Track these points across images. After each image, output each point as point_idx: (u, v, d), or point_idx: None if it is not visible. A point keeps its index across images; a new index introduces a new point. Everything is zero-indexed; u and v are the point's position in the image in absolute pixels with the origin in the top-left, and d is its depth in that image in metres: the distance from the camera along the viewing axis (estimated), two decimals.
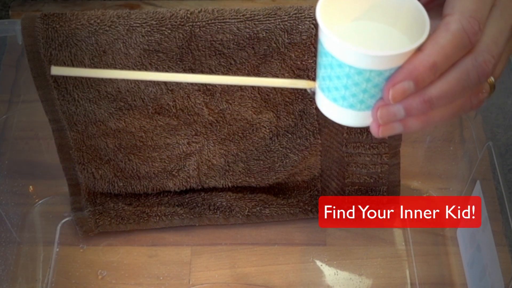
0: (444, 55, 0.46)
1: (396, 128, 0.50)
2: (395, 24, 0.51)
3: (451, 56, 0.46)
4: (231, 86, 0.76)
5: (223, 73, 0.74)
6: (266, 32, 0.71)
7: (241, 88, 0.76)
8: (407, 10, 0.50)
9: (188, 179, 0.83)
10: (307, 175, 0.84)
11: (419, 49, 0.47)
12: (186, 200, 0.85)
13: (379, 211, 0.83)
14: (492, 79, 0.51)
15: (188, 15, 0.70)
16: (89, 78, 0.74)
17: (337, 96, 0.50)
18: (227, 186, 0.84)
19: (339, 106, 0.51)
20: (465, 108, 0.50)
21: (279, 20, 0.70)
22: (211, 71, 0.73)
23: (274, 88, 0.76)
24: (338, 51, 0.47)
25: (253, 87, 0.76)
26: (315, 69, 0.71)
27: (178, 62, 0.72)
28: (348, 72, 0.48)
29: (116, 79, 0.74)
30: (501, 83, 0.73)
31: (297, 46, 0.72)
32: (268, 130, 0.80)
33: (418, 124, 0.50)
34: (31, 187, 0.88)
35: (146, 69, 0.73)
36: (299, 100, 0.78)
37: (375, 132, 0.51)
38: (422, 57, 0.46)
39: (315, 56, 0.69)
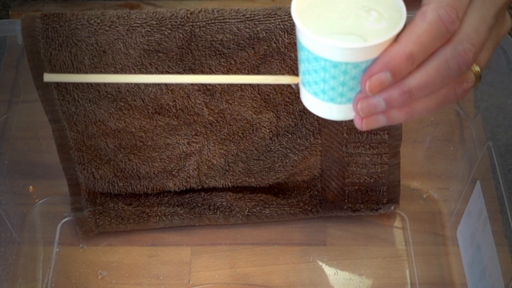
0: (420, 45, 0.46)
1: (379, 121, 0.50)
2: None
3: (428, 45, 0.46)
4: (231, 86, 0.76)
5: (223, 73, 0.74)
6: (266, 32, 0.71)
7: (241, 88, 0.76)
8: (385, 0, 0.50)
9: (188, 179, 0.83)
10: (307, 175, 0.84)
11: (396, 40, 0.46)
12: (186, 200, 0.85)
13: (379, 211, 0.84)
14: (477, 68, 0.50)
15: (188, 15, 0.70)
16: None
17: (317, 90, 0.50)
18: (227, 186, 0.84)
19: (320, 100, 0.50)
20: (450, 98, 0.50)
21: (279, 20, 0.70)
22: (211, 71, 0.73)
23: (274, 88, 0.76)
24: (312, 45, 0.47)
25: (253, 87, 0.76)
26: None
27: (178, 62, 0.73)
28: (324, 65, 0.47)
29: None
30: (501, 83, 0.74)
31: (296, 48, 0.72)
32: (268, 130, 0.80)
33: (402, 115, 0.49)
34: (31, 187, 0.88)
35: (146, 69, 0.73)
36: (299, 100, 0.76)
37: (359, 125, 0.50)
38: (398, 47, 0.46)
39: None
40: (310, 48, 0.47)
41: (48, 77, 0.50)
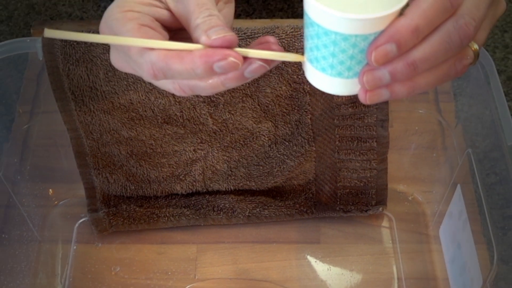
0: (426, 19, 0.45)
1: (383, 94, 0.48)
2: None
3: (433, 19, 0.45)
4: (233, 98, 0.77)
5: None
6: None
7: (242, 100, 0.77)
8: None
9: (194, 183, 0.84)
10: (302, 179, 0.85)
11: (402, 13, 0.46)
12: (192, 202, 0.86)
13: (368, 212, 0.85)
14: (476, 46, 0.49)
15: None
16: (104, 91, 0.75)
17: (325, 65, 0.48)
18: (229, 189, 0.85)
19: (328, 76, 0.49)
20: (450, 73, 0.49)
21: (277, 38, 0.70)
22: None
23: (273, 100, 0.77)
24: (323, 19, 0.46)
25: (253, 99, 0.77)
26: (309, 83, 0.73)
27: None
28: (334, 39, 0.46)
29: (129, 92, 0.75)
30: (480, 95, 0.74)
31: (293, 62, 0.69)
32: (267, 138, 0.81)
33: (405, 90, 0.48)
34: (51, 190, 0.89)
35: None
36: (295, 110, 0.79)
37: (363, 98, 0.49)
38: (404, 20, 0.45)
39: None
40: (320, 22, 0.46)
41: (49, 33, 0.48)
